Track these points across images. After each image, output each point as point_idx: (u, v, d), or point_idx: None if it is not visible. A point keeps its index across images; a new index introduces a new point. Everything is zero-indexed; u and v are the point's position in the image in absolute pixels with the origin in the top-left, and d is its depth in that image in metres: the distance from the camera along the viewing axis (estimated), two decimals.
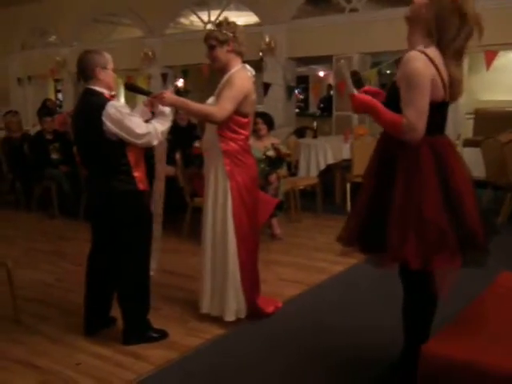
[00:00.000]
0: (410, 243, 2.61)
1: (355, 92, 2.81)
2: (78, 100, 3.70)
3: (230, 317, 3.88)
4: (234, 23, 3.83)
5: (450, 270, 2.66)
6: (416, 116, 2.60)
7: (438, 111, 2.72)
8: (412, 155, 2.67)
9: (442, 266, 2.64)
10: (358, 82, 2.93)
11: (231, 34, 3.75)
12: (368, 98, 2.77)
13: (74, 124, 3.74)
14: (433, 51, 2.63)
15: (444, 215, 2.62)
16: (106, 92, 3.55)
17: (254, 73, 3.91)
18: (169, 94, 3.61)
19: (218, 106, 3.68)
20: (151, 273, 3.87)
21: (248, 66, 3.88)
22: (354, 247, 2.91)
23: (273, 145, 6.32)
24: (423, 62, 2.59)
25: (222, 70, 3.82)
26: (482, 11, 8.20)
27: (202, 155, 4.04)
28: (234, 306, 3.88)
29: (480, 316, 2.76)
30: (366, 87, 2.98)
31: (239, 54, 3.83)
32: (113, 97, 3.64)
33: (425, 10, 2.65)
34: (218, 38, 3.75)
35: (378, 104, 2.74)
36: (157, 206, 3.96)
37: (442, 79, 2.64)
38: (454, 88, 2.68)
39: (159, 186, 3.99)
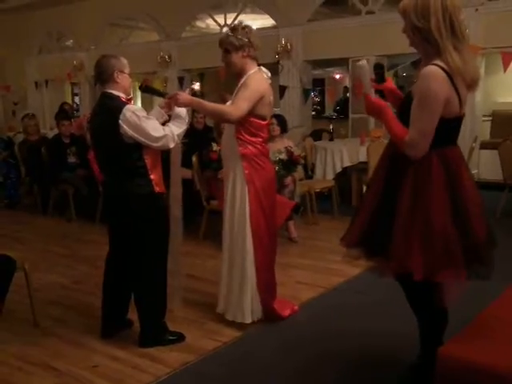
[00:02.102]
0: (415, 254, 2.58)
1: (372, 94, 2.78)
2: (96, 104, 3.73)
3: (247, 319, 3.87)
4: (248, 28, 3.82)
5: (455, 282, 2.64)
6: (419, 136, 2.57)
7: (453, 125, 2.69)
8: (423, 166, 2.63)
9: (447, 279, 2.62)
10: (381, 75, 2.90)
11: (246, 40, 3.74)
12: (382, 104, 2.74)
13: (92, 127, 3.76)
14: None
15: (452, 228, 2.59)
16: (122, 95, 3.57)
17: (269, 75, 3.90)
18: (184, 95, 3.62)
19: (233, 106, 3.69)
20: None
21: (264, 69, 3.88)
22: (358, 250, 2.88)
23: (286, 148, 6.30)
24: (440, 80, 2.53)
25: (238, 74, 3.83)
26: (498, 13, 8.17)
27: (220, 159, 4.04)
28: (251, 309, 3.87)
29: (497, 319, 2.74)
30: (388, 82, 2.92)
31: (254, 58, 3.83)
32: (129, 100, 3.66)
33: (407, 27, 2.64)
34: (234, 43, 3.75)
35: (388, 113, 2.71)
36: (174, 210, 3.96)
37: (459, 96, 2.59)
38: (460, 77, 2.57)
39: (175, 192, 3.98)
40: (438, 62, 2.56)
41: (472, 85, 2.66)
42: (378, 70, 2.91)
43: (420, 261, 2.58)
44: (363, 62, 2.90)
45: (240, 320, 3.87)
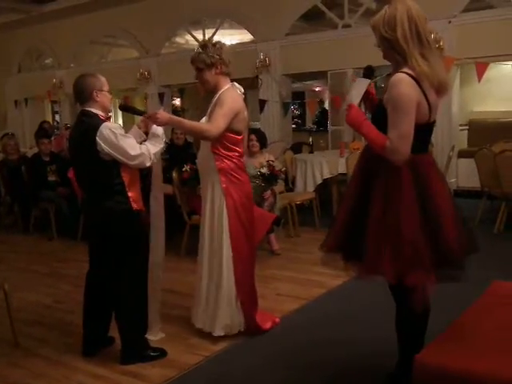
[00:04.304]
0: (385, 257, 2.65)
1: (355, 103, 2.83)
2: (74, 122, 3.75)
3: (218, 332, 3.89)
4: (219, 44, 3.86)
5: (426, 285, 2.69)
6: (399, 140, 2.63)
7: (423, 132, 2.74)
8: (393, 172, 2.69)
9: (417, 282, 2.67)
10: (368, 77, 2.96)
11: (217, 57, 3.78)
12: (363, 117, 2.80)
13: (70, 145, 3.78)
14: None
15: (421, 233, 2.65)
16: (101, 113, 3.59)
17: (242, 90, 3.94)
18: (162, 114, 3.64)
19: (211, 124, 3.71)
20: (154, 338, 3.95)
21: (237, 84, 3.93)
22: (337, 254, 2.93)
23: (268, 162, 6.35)
24: (409, 85, 2.62)
25: (212, 90, 3.87)
26: (473, 25, 8.32)
27: (192, 176, 4.04)
28: (225, 322, 3.89)
29: (472, 325, 2.78)
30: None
31: (227, 74, 3.87)
32: (108, 118, 3.68)
33: (377, 39, 2.77)
34: (206, 61, 3.78)
35: (368, 125, 2.77)
36: (157, 235, 3.96)
37: (428, 101, 2.68)
38: (427, 81, 2.65)
39: (159, 211, 3.98)
40: (405, 69, 2.67)
41: (440, 89, 2.74)
42: (368, 71, 2.97)
43: (390, 264, 2.64)
44: (365, 79, 2.96)
45: (216, 333, 3.88)
